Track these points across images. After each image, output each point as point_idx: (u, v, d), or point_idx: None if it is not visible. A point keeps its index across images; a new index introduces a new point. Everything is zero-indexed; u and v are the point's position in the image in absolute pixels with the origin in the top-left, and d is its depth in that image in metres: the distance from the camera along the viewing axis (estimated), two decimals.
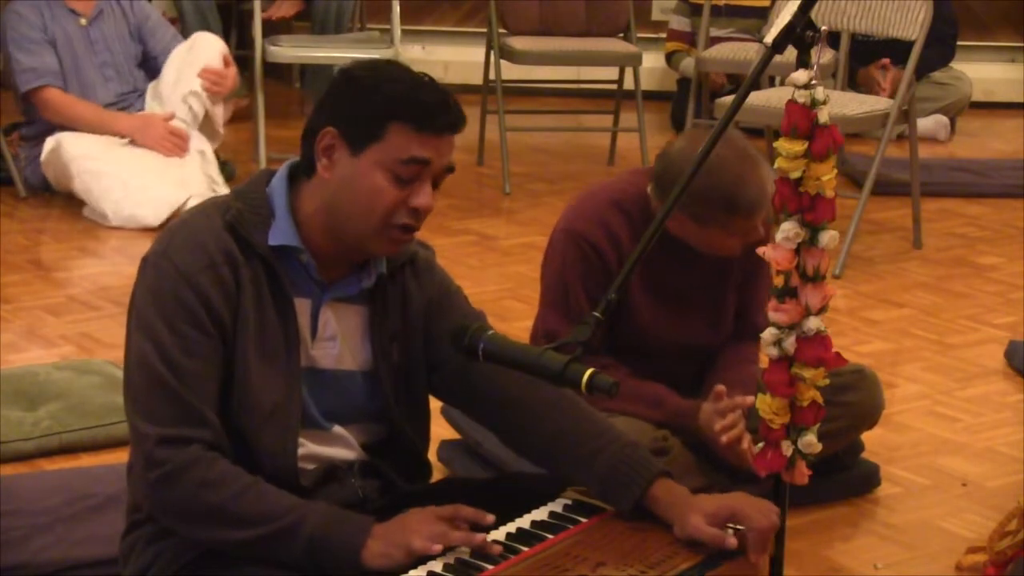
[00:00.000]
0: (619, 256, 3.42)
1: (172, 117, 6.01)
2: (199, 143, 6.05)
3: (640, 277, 3.45)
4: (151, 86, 6.22)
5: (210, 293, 2.43)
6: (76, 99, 6.03)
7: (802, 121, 2.57)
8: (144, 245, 5.53)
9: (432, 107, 2.43)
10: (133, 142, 5.96)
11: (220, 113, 6.23)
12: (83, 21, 6.12)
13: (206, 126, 6.15)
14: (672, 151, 3.36)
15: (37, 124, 6.13)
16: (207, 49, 6.14)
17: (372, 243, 2.48)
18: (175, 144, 5.96)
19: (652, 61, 7.71)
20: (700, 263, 3.46)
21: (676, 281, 3.49)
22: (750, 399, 3.36)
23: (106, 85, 6.13)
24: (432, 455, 2.76)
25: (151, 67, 6.29)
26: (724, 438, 3.34)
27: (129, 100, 6.17)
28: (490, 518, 2.41)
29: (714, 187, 3.23)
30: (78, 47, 6.09)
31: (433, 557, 2.35)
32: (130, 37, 6.21)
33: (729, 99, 5.10)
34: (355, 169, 2.44)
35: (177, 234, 2.48)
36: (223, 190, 5.75)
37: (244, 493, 2.40)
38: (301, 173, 2.51)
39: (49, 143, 5.95)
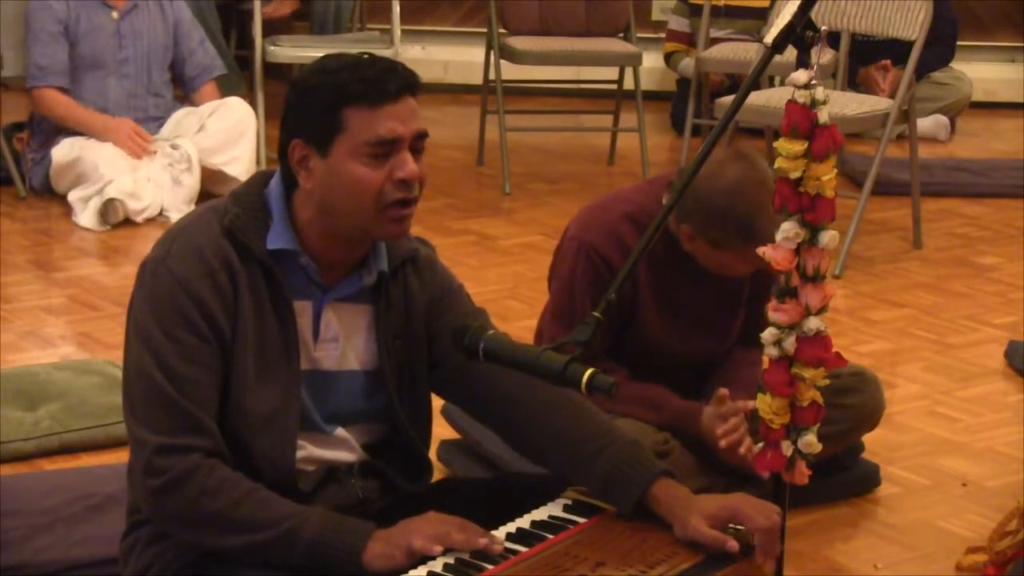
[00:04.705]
0: None
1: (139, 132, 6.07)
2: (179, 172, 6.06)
3: (651, 292, 3.44)
4: (182, 112, 6.25)
5: (208, 300, 2.43)
6: (68, 101, 6.05)
7: (802, 121, 2.57)
8: (144, 244, 5.58)
9: (376, 78, 2.42)
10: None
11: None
12: (115, 15, 6.13)
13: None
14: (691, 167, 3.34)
15: (46, 124, 6.15)
16: (227, 117, 6.17)
17: (375, 230, 2.47)
18: (138, 144, 5.99)
19: (652, 61, 7.71)
20: (711, 280, 3.44)
21: (687, 297, 3.48)
22: (752, 403, 3.36)
23: (120, 83, 6.14)
24: (432, 455, 2.75)
25: (176, 69, 6.33)
26: (723, 442, 3.33)
27: (139, 103, 6.18)
28: (499, 543, 2.39)
29: (731, 212, 3.22)
30: (103, 40, 6.11)
31: (434, 556, 2.35)
32: (164, 31, 6.24)
33: (729, 99, 5.10)
34: (331, 169, 2.43)
35: (175, 241, 2.48)
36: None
37: (244, 500, 2.40)
38: (290, 184, 2.51)
39: (63, 151, 5.98)
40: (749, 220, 3.23)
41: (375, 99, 2.41)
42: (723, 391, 3.39)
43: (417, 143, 2.45)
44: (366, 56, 2.47)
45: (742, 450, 3.31)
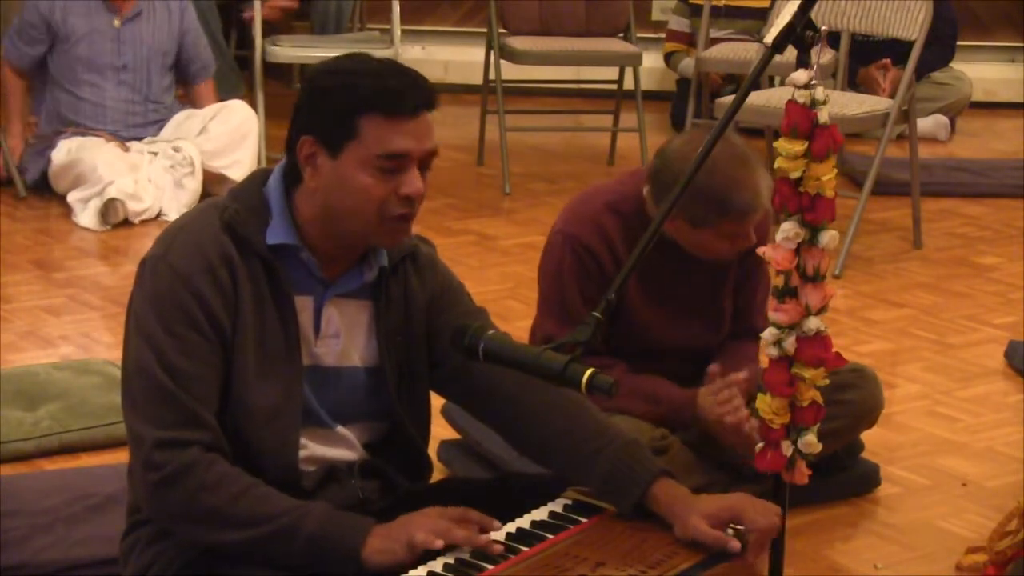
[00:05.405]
0: (614, 258, 3.42)
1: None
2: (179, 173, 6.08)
3: (638, 281, 3.45)
4: (183, 115, 6.26)
5: (208, 296, 2.43)
6: (17, 88, 6.20)
7: (802, 121, 2.57)
8: (144, 244, 5.58)
9: (397, 91, 2.40)
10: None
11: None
12: (116, 22, 6.13)
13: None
14: (668, 150, 3.35)
15: (47, 123, 6.17)
16: (229, 120, 6.19)
17: (373, 237, 2.48)
18: None
19: (652, 61, 7.71)
20: (696, 267, 3.46)
21: (673, 285, 3.49)
22: (742, 374, 3.38)
23: (118, 88, 6.16)
24: (432, 455, 2.75)
25: (180, 71, 6.37)
26: (728, 419, 3.34)
27: (136, 108, 6.19)
28: (496, 524, 2.41)
29: (707, 188, 3.23)
30: (101, 44, 6.12)
31: (434, 556, 2.35)
32: (168, 38, 6.24)
33: (729, 99, 5.10)
34: (338, 172, 2.43)
35: (175, 237, 2.48)
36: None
37: (243, 494, 2.40)
38: (293, 179, 2.51)
39: (62, 152, 6.00)
40: (725, 194, 3.25)
41: (393, 112, 2.39)
42: (713, 367, 3.41)
43: (427, 160, 2.45)
44: (389, 63, 2.45)
45: (743, 425, 3.32)
